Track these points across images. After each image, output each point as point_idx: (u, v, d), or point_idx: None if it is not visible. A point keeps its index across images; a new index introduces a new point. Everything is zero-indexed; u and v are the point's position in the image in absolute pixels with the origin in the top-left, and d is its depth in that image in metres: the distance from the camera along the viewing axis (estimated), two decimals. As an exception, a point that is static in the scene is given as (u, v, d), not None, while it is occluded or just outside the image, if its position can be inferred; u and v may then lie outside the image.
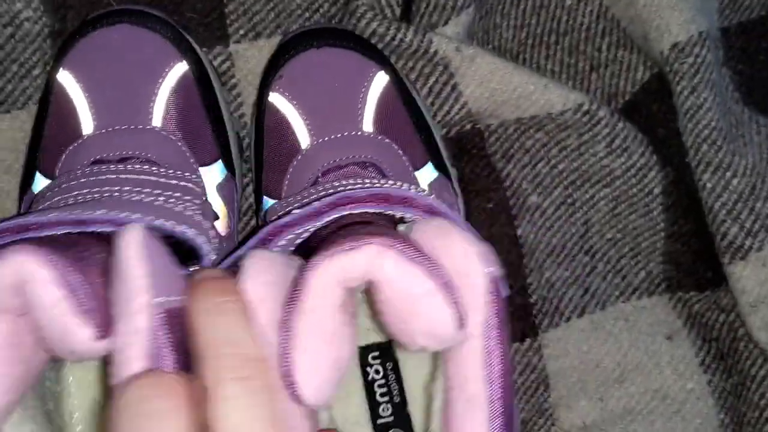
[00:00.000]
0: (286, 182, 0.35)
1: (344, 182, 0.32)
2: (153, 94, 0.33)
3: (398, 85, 0.37)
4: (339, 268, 0.20)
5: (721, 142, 0.41)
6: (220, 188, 0.34)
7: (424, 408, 0.34)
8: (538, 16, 0.46)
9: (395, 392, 0.35)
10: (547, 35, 0.46)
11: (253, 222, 0.42)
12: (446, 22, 0.42)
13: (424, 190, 0.32)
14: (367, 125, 0.35)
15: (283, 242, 0.26)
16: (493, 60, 0.41)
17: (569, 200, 0.43)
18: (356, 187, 0.29)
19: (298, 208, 0.28)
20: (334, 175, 0.35)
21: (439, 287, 0.20)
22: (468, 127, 0.43)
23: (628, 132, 0.43)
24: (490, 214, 0.42)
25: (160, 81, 0.33)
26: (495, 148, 0.43)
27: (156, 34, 0.34)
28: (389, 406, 0.32)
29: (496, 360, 0.21)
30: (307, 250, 0.27)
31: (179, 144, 0.33)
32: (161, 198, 0.29)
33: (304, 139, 0.35)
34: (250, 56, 0.42)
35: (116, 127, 0.32)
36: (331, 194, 0.27)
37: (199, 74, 0.35)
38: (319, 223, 0.26)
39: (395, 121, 0.36)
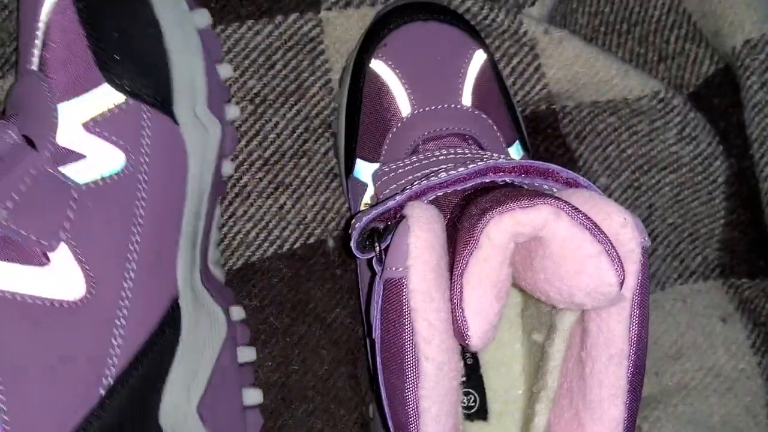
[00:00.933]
0: (385, 147, 0.37)
1: (449, 149, 0.34)
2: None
3: (493, 65, 0.38)
4: (514, 222, 0.22)
5: (786, 137, 0.43)
6: None
7: (508, 371, 0.36)
8: (612, 5, 0.48)
9: (468, 354, 0.36)
10: (619, 24, 0.48)
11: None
12: (533, 3, 0.43)
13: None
14: (466, 99, 0.37)
15: (426, 200, 0.27)
16: (579, 44, 0.42)
17: (635, 184, 0.45)
18: (484, 157, 0.30)
19: (421, 172, 0.30)
20: (434, 144, 0.36)
21: (605, 250, 0.22)
22: (543, 107, 0.44)
23: (698, 121, 0.45)
24: (562, 193, 0.43)
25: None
26: (569, 129, 0.45)
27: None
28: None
29: (639, 322, 0.23)
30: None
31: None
32: None
33: (405, 107, 0.37)
34: (338, 24, 0.43)
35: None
36: (475, 161, 0.28)
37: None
38: (465, 186, 0.27)
39: (490, 99, 0.37)
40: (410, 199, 0.27)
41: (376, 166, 0.37)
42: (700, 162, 0.45)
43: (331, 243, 0.42)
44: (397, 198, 0.27)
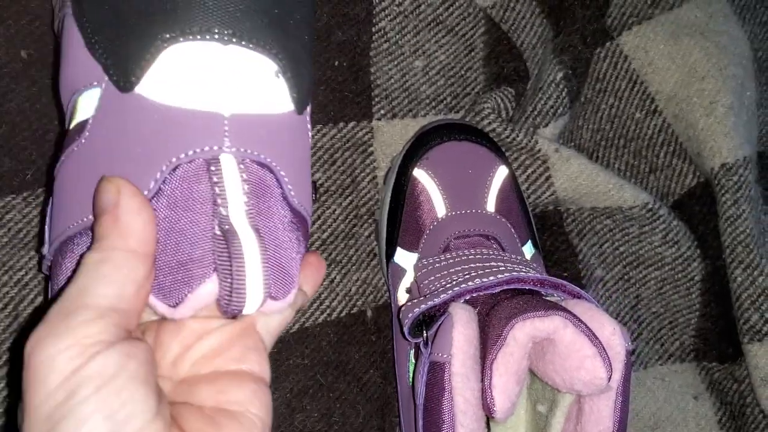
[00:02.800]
0: (423, 240, 0.45)
1: (476, 250, 0.42)
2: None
3: (513, 178, 0.47)
4: (533, 327, 0.30)
5: (753, 246, 0.52)
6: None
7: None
8: (612, 124, 0.57)
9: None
10: (617, 139, 0.57)
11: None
12: (547, 125, 0.52)
13: (534, 268, 0.42)
14: (490, 206, 0.45)
15: (462, 300, 0.36)
16: (584, 161, 0.51)
17: (626, 277, 0.54)
18: (506, 265, 0.39)
19: (460, 274, 0.38)
20: (464, 241, 0.44)
21: (599, 352, 0.30)
22: (551, 208, 0.53)
23: (680, 228, 0.53)
24: (564, 282, 0.52)
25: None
26: (571, 228, 0.53)
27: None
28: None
29: (622, 407, 0.31)
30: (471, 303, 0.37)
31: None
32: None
33: (440, 209, 0.45)
34: (386, 131, 0.52)
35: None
36: (501, 271, 0.36)
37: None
38: (493, 290, 0.35)
39: (509, 207, 0.46)
40: (452, 298, 0.35)
41: (413, 254, 0.45)
42: (681, 262, 0.54)
43: (369, 313, 0.51)
44: (442, 296, 0.35)
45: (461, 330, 0.32)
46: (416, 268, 0.43)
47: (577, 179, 0.51)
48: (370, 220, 0.52)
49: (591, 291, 0.53)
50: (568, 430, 0.35)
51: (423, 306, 0.35)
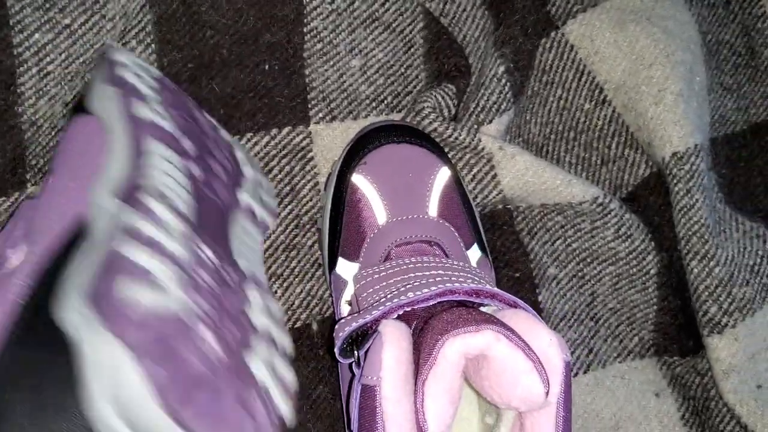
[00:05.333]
0: (364, 249, 0.43)
1: (417, 258, 0.40)
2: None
3: (456, 179, 0.45)
4: (464, 344, 0.28)
5: (708, 236, 0.51)
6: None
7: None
8: (560, 116, 0.55)
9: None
10: (567, 132, 0.55)
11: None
12: (490, 122, 0.50)
13: (483, 279, 0.40)
14: (432, 210, 0.43)
15: (395, 315, 0.34)
16: (529, 158, 0.49)
17: (580, 274, 0.52)
18: (446, 273, 0.37)
19: (398, 286, 0.36)
20: (405, 249, 0.42)
21: (535, 366, 0.28)
22: (500, 207, 0.51)
23: (632, 222, 0.52)
24: (516, 282, 0.50)
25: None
26: (522, 226, 0.52)
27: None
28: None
29: (564, 421, 0.29)
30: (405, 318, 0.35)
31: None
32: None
33: (381, 216, 0.43)
34: (325, 135, 0.50)
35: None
36: (438, 282, 0.34)
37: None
38: (428, 303, 0.33)
39: (452, 209, 0.44)
40: (384, 315, 0.33)
41: (355, 264, 0.43)
42: (635, 256, 0.52)
43: (315, 326, 0.49)
44: (374, 313, 0.33)
45: (390, 350, 0.30)
46: (355, 279, 0.41)
47: (524, 176, 0.50)
48: (312, 229, 0.50)
49: (545, 290, 0.51)
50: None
51: (354, 324, 0.33)
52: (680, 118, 0.52)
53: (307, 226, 0.49)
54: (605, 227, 0.52)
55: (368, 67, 0.51)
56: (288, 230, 0.49)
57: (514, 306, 0.33)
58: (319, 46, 0.50)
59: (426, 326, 0.32)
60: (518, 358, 0.29)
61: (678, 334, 0.53)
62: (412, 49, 0.52)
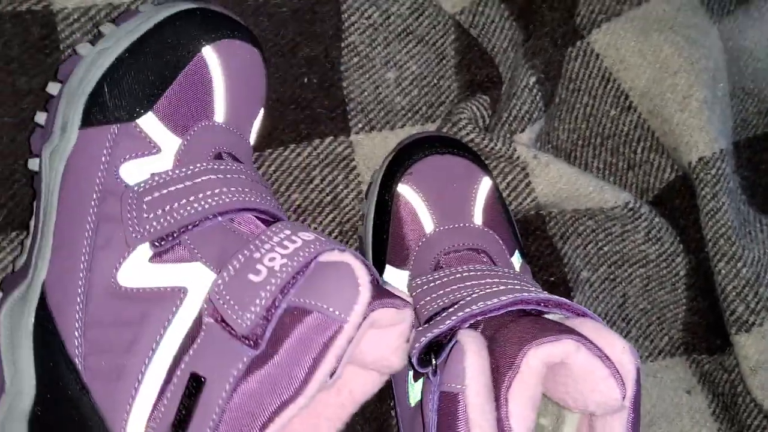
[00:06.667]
0: (413, 258, 0.44)
1: (470, 266, 0.41)
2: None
3: (496, 188, 0.47)
4: (547, 353, 0.30)
5: (735, 238, 0.52)
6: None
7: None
8: (587, 122, 0.57)
9: None
10: (594, 138, 0.57)
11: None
12: (523, 130, 0.52)
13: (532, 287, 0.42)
14: (477, 219, 0.45)
15: (467, 324, 0.35)
16: (563, 166, 0.51)
17: (611, 276, 0.54)
18: (502, 281, 0.38)
19: (460, 292, 0.38)
20: (453, 257, 0.44)
21: (613, 373, 0.30)
22: (533, 213, 0.53)
23: (662, 225, 0.53)
24: (551, 286, 0.52)
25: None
26: (554, 231, 0.53)
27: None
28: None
29: (633, 423, 0.31)
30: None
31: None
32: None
33: (428, 225, 0.44)
34: (365, 144, 0.51)
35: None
36: (502, 291, 0.36)
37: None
38: (498, 312, 0.35)
39: (495, 217, 0.46)
40: (457, 324, 0.35)
41: (403, 272, 0.45)
42: (665, 258, 0.54)
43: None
44: (447, 323, 0.34)
45: (474, 359, 0.31)
46: (411, 287, 0.42)
47: (557, 184, 0.51)
48: (354, 236, 0.51)
49: (578, 293, 0.53)
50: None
51: (429, 335, 0.35)
52: (705, 123, 0.53)
53: (349, 233, 0.51)
54: (635, 231, 0.53)
55: (403, 78, 0.53)
56: (331, 237, 0.50)
57: (582, 315, 0.34)
58: (355, 59, 0.51)
59: (496, 335, 0.33)
60: (597, 365, 0.30)
61: (706, 332, 0.55)
62: (444, 61, 0.54)
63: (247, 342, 0.30)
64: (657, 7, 0.56)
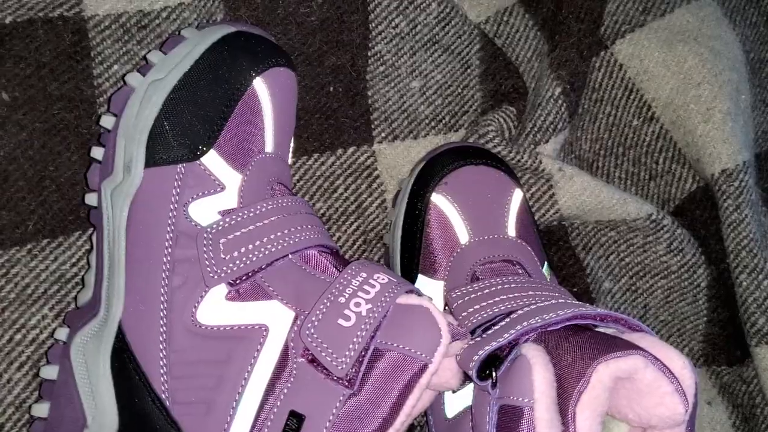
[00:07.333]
0: (448, 268, 0.44)
1: (510, 278, 0.41)
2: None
3: (526, 200, 0.47)
4: (617, 368, 0.30)
5: (756, 250, 0.52)
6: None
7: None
8: (610, 132, 0.57)
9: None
10: (616, 148, 0.57)
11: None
12: (547, 141, 0.52)
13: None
14: (511, 231, 0.45)
15: (524, 338, 0.35)
16: (587, 179, 0.51)
17: (633, 287, 0.54)
18: (543, 294, 0.39)
19: (506, 304, 0.38)
20: (489, 267, 0.43)
21: (677, 388, 0.31)
22: (555, 224, 0.53)
23: (684, 236, 0.54)
24: (575, 297, 0.52)
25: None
26: (577, 242, 0.53)
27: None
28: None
29: (691, 436, 0.32)
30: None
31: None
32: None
33: (463, 235, 0.44)
34: (388, 153, 0.52)
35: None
36: (559, 306, 0.36)
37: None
38: (555, 327, 0.35)
39: (527, 229, 0.46)
40: (518, 338, 0.35)
41: (437, 282, 0.44)
42: (686, 270, 0.54)
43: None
44: (506, 336, 0.34)
45: (543, 374, 0.32)
46: (451, 298, 0.42)
47: (581, 196, 0.51)
48: (378, 245, 0.51)
49: (600, 304, 0.53)
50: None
51: (488, 348, 0.35)
52: (729, 135, 0.53)
53: (374, 242, 0.51)
54: (657, 242, 0.53)
55: (427, 88, 0.53)
56: (356, 246, 0.51)
57: (638, 330, 0.35)
58: (381, 68, 0.51)
59: (557, 349, 0.33)
60: (663, 381, 0.31)
61: (726, 344, 0.55)
62: (469, 70, 0.54)
63: (341, 383, 0.33)
64: (681, 18, 0.57)
